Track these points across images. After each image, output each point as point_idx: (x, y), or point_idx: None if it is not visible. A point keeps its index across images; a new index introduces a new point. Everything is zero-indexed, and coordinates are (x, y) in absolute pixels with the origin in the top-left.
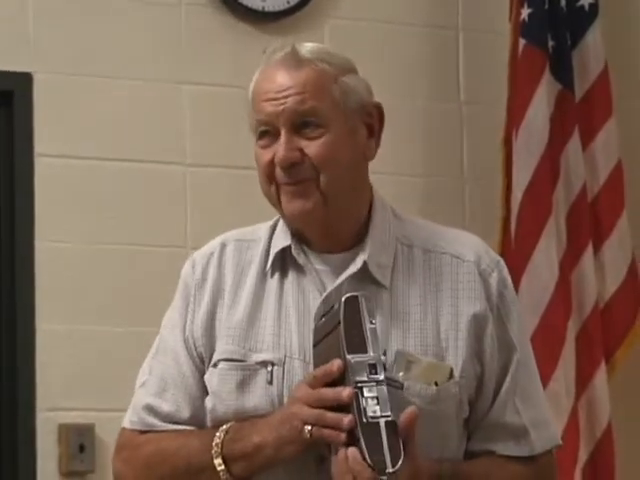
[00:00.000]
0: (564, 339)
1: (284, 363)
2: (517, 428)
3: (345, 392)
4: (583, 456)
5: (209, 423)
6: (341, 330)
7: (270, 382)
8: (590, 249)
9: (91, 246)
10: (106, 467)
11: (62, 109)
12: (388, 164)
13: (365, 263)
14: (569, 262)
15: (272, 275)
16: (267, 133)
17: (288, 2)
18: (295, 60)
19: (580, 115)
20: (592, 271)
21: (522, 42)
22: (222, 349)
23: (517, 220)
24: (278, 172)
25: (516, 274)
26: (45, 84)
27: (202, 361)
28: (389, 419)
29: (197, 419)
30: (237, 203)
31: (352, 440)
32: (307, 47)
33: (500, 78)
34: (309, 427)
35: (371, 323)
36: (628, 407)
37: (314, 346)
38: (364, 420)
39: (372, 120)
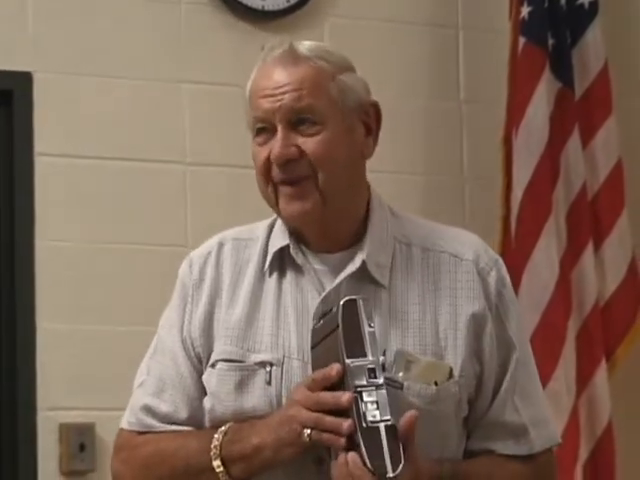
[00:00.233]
0: (564, 338)
1: (283, 363)
2: (517, 427)
3: (345, 397)
4: (584, 454)
5: (207, 423)
6: (340, 334)
7: (269, 382)
8: (590, 248)
9: (91, 245)
10: (107, 466)
11: (62, 108)
12: (388, 162)
13: (364, 262)
14: (569, 261)
15: (270, 275)
16: (264, 130)
17: (288, 1)
18: (293, 57)
19: (580, 113)
20: (592, 269)
21: (522, 40)
22: (220, 349)
23: (517, 219)
24: (274, 170)
25: (516, 273)
26: (45, 83)
27: (200, 361)
28: (389, 423)
29: (195, 419)
30: (237, 202)
31: (351, 444)
32: (305, 45)
33: (500, 76)
34: (308, 430)
35: (369, 326)
36: (629, 405)
37: (312, 348)
38: (364, 425)
39: (369, 119)
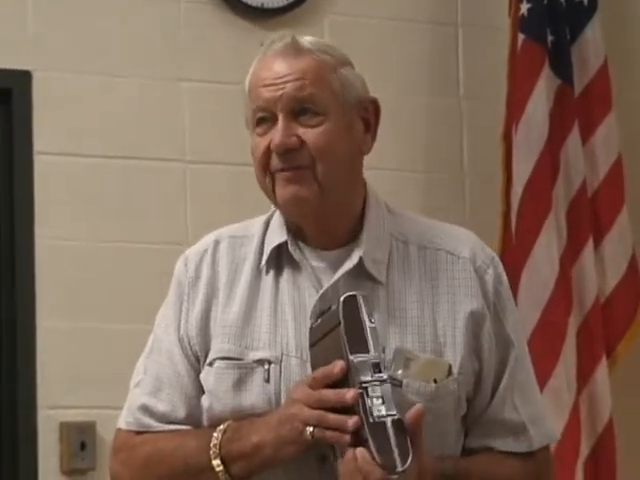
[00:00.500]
0: (565, 334)
1: (281, 361)
2: (516, 424)
3: (349, 394)
4: (584, 451)
5: (205, 422)
6: (342, 330)
7: (267, 380)
8: (590, 244)
9: (91, 243)
10: (107, 465)
11: (61, 107)
12: (388, 159)
13: (361, 259)
14: (569, 257)
15: (267, 272)
16: (264, 120)
17: None
18: (295, 50)
19: (580, 110)
20: (592, 266)
21: (521, 37)
22: (218, 347)
23: (517, 215)
24: (273, 159)
25: (516, 270)
26: (44, 82)
27: (197, 360)
28: (395, 418)
29: (193, 418)
30: (237, 200)
31: (356, 441)
32: (307, 39)
33: (500, 73)
34: (310, 428)
35: (371, 322)
36: (629, 402)
37: (311, 347)
38: (371, 420)
39: (368, 114)
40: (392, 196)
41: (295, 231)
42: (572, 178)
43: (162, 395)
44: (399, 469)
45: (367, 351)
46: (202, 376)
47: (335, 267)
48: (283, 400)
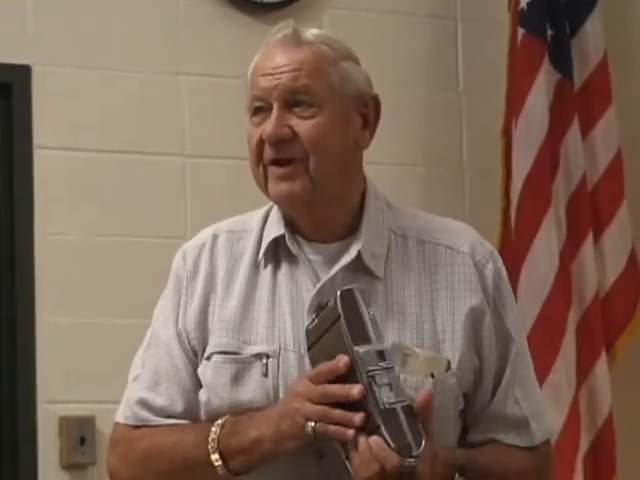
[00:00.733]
0: (564, 329)
1: (279, 355)
2: (518, 419)
3: (355, 389)
4: (584, 445)
5: (203, 416)
6: (342, 323)
7: (265, 375)
8: (590, 239)
9: (91, 238)
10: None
11: (61, 101)
12: (388, 154)
13: (359, 253)
14: (569, 252)
15: (265, 266)
16: (261, 110)
17: None
18: (295, 40)
19: (579, 104)
20: (592, 261)
21: (521, 31)
22: (216, 342)
23: (517, 210)
24: (266, 149)
25: (516, 264)
26: (44, 76)
27: (195, 354)
28: (404, 404)
29: (191, 412)
30: (236, 194)
31: (359, 436)
32: (311, 30)
33: (499, 68)
34: (312, 423)
35: (369, 313)
36: (629, 396)
37: (309, 348)
38: (381, 407)
39: (368, 110)
40: (391, 191)
41: (293, 224)
42: (572, 172)
43: (160, 389)
44: (415, 453)
45: (369, 341)
46: (200, 370)
47: (333, 261)
48: (281, 394)
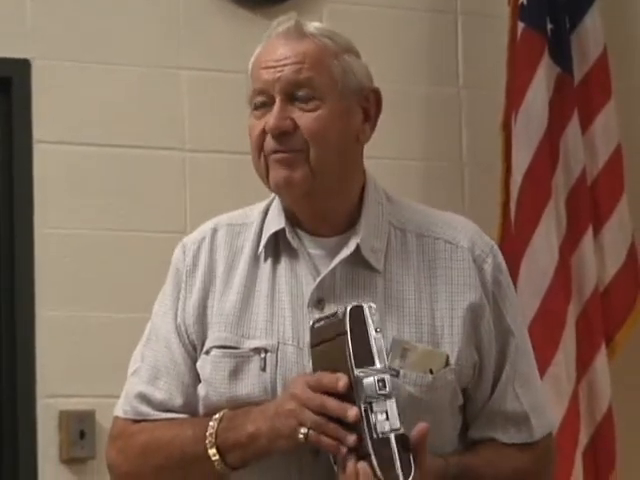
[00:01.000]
0: (564, 323)
1: (277, 349)
2: (518, 415)
3: (352, 412)
4: (584, 439)
5: (202, 410)
6: (348, 342)
7: (263, 369)
8: (590, 233)
9: (90, 232)
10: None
11: (61, 95)
12: (387, 149)
13: (358, 246)
14: (569, 246)
15: (265, 260)
16: (263, 105)
17: None
18: (297, 33)
19: (579, 98)
20: (592, 255)
21: (521, 26)
22: (215, 336)
23: (517, 204)
24: (268, 141)
25: (516, 258)
26: (43, 70)
27: (194, 348)
28: (399, 432)
29: (190, 406)
30: (236, 188)
31: (352, 453)
32: (313, 24)
33: (499, 62)
34: (304, 429)
35: (376, 332)
36: (628, 390)
37: (312, 347)
38: (375, 436)
39: (369, 104)
40: (391, 185)
41: (293, 218)
42: (571, 167)
43: (159, 383)
44: None
45: (373, 363)
46: (199, 364)
47: (333, 254)
48: (279, 389)
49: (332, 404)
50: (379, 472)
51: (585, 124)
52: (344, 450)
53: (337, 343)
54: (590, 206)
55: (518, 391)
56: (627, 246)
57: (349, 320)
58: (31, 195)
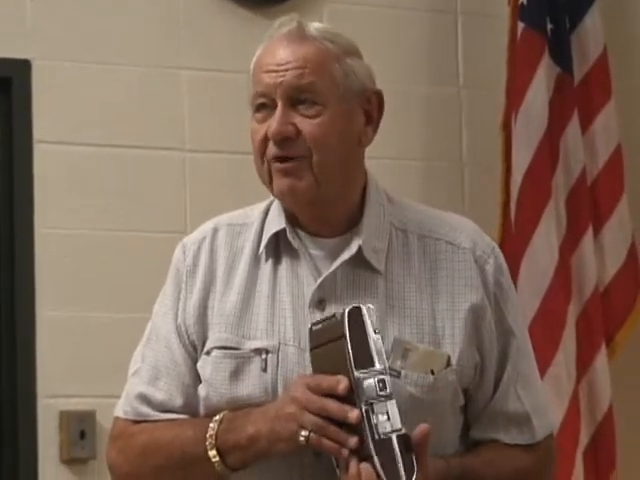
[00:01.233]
0: (564, 323)
1: (278, 350)
2: (519, 415)
3: (353, 414)
4: (584, 439)
5: (202, 411)
6: (347, 344)
7: (264, 370)
8: (590, 233)
9: (90, 233)
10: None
11: (61, 96)
12: (387, 149)
13: (360, 248)
14: (569, 246)
15: (265, 260)
16: (264, 106)
17: None
18: (299, 36)
19: (579, 98)
20: (592, 255)
21: (521, 26)
22: (215, 337)
23: (517, 204)
24: (270, 146)
25: (516, 258)
26: (44, 71)
27: (195, 349)
28: (401, 433)
29: (190, 407)
30: (236, 188)
31: (355, 456)
32: (314, 25)
33: (499, 62)
34: (305, 432)
35: (375, 333)
36: (629, 390)
37: (311, 349)
38: (376, 437)
39: (371, 107)
40: (391, 185)
41: (293, 219)
42: (571, 167)
43: (160, 384)
44: None
45: (372, 364)
46: (199, 365)
47: (334, 255)
48: (280, 389)
49: (333, 406)
50: (382, 473)
51: (585, 124)
52: (346, 452)
53: (336, 345)
54: (590, 206)
55: (520, 392)
56: (627, 246)
57: (348, 322)
58: (31, 195)
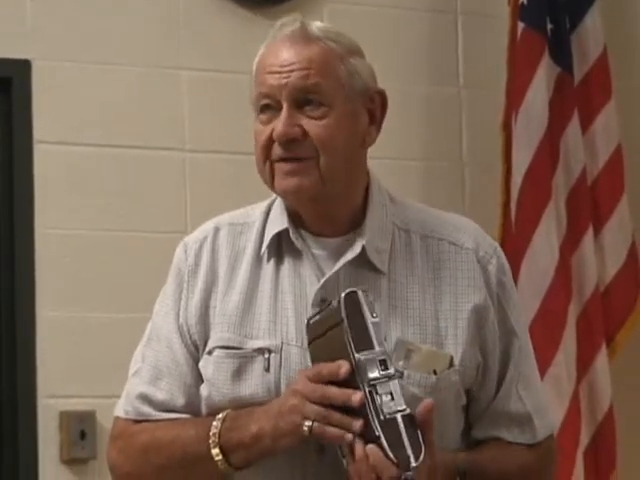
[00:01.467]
0: (565, 323)
1: (281, 350)
2: (521, 416)
3: (356, 397)
4: (584, 439)
5: (204, 410)
6: (345, 329)
7: (267, 369)
8: (590, 233)
9: (91, 233)
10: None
11: (61, 96)
12: (388, 149)
13: (364, 248)
14: (569, 246)
15: (268, 260)
16: (268, 107)
17: None
18: (303, 36)
19: (579, 98)
20: (592, 255)
21: (521, 26)
22: (218, 336)
23: (517, 204)
24: (275, 148)
25: (516, 258)
26: (44, 71)
27: (196, 348)
28: (405, 412)
29: (192, 407)
30: (236, 188)
31: (356, 441)
32: (316, 25)
33: (499, 62)
34: (308, 422)
35: (373, 316)
36: (629, 390)
37: (309, 343)
38: (382, 417)
39: (374, 106)
40: (392, 185)
41: (296, 218)
42: (572, 167)
43: (161, 384)
44: (413, 464)
45: (372, 347)
46: (201, 365)
47: (337, 255)
48: (283, 389)
49: (334, 392)
50: (390, 452)
51: (585, 124)
52: (350, 437)
53: (334, 333)
54: (590, 206)
55: (521, 392)
56: (627, 246)
57: (344, 307)
58: (31, 195)
